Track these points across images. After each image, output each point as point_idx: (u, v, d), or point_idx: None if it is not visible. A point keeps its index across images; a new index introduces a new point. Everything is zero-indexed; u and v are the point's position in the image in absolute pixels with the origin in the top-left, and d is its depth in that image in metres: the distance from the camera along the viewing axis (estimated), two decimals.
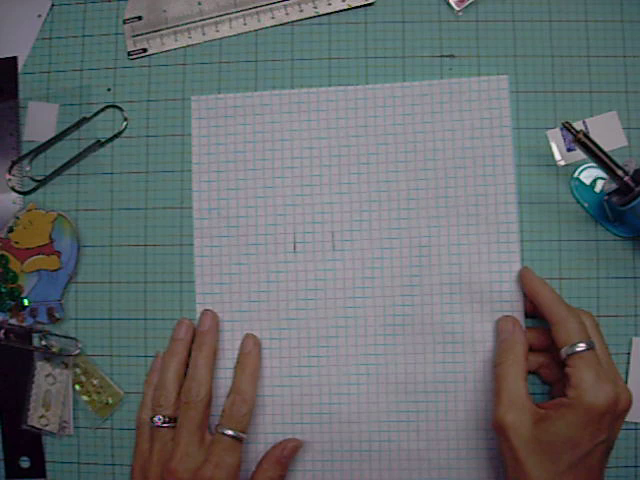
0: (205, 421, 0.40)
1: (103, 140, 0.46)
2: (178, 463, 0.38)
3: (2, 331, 0.43)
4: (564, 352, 0.37)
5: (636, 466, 0.42)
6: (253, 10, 0.46)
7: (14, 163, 0.46)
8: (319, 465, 0.43)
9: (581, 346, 0.36)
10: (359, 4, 0.46)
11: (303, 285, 0.44)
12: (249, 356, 0.42)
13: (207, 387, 0.40)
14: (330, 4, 0.46)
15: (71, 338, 0.44)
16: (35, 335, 0.44)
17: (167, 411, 0.40)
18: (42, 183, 0.46)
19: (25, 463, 0.44)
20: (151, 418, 0.40)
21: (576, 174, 0.44)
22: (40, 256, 0.45)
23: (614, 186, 0.39)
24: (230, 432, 0.39)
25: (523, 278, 0.41)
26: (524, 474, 0.35)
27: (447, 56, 0.45)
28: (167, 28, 0.46)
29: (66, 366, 0.44)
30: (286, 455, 0.41)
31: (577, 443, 0.35)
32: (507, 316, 0.41)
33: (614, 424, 0.36)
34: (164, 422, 0.40)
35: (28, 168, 0.46)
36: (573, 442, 0.35)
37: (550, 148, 0.44)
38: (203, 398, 0.40)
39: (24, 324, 0.44)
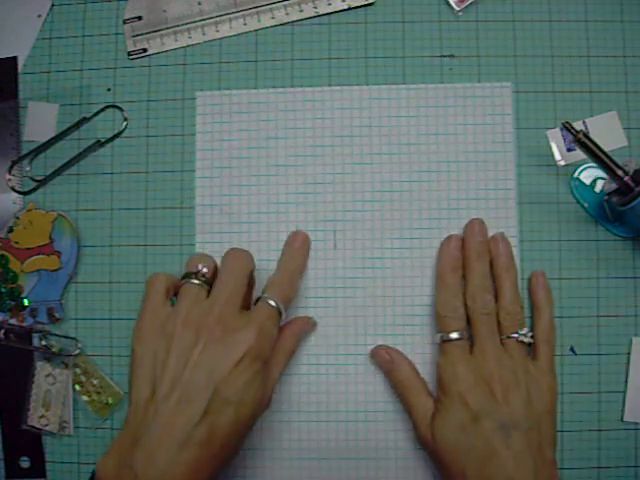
0: (248, 295, 0.40)
1: (103, 140, 0.46)
2: (216, 320, 0.35)
3: (2, 331, 0.43)
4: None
5: (636, 466, 0.42)
6: (253, 10, 0.46)
7: (14, 163, 0.46)
8: (315, 464, 0.43)
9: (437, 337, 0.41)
10: (359, 4, 0.46)
11: (303, 284, 0.44)
12: (298, 251, 0.43)
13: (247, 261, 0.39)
14: (330, 4, 0.46)
15: (71, 338, 0.44)
16: (35, 335, 0.44)
17: (206, 271, 0.38)
18: (42, 183, 0.46)
19: (25, 463, 0.44)
20: (186, 276, 0.38)
21: (576, 174, 0.44)
22: (40, 256, 0.45)
23: (614, 186, 0.39)
24: (273, 302, 0.37)
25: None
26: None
27: (447, 56, 0.45)
28: (167, 28, 0.46)
29: (66, 366, 0.44)
30: (306, 329, 0.42)
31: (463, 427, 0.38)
32: (378, 349, 0.42)
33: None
34: (200, 278, 0.37)
35: (28, 168, 0.46)
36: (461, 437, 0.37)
37: (550, 148, 0.44)
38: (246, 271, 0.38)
39: (24, 324, 0.44)
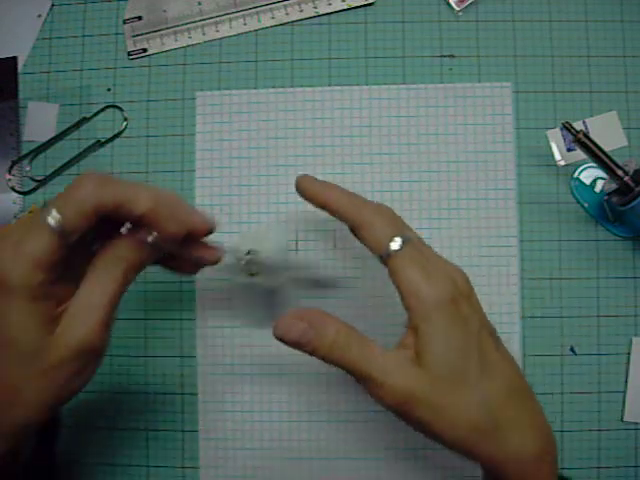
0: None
1: (103, 140, 0.46)
2: None
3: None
4: (383, 254, 0.30)
5: (636, 466, 0.42)
6: (253, 10, 0.46)
7: (14, 163, 0.46)
8: (315, 464, 0.43)
9: (396, 242, 0.30)
10: (359, 4, 0.46)
11: (304, 284, 0.44)
12: None
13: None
14: (330, 4, 0.46)
15: None
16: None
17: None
18: (42, 183, 0.46)
19: None
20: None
21: (576, 174, 0.44)
22: None
23: (614, 186, 0.39)
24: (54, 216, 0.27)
25: (303, 189, 0.34)
26: (456, 418, 0.29)
27: (447, 56, 0.45)
28: (167, 28, 0.46)
29: None
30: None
31: (461, 347, 0.29)
32: (286, 323, 0.30)
33: (471, 306, 0.30)
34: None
35: (28, 168, 0.46)
36: (459, 349, 0.29)
37: (550, 148, 0.44)
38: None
39: None
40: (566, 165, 0.44)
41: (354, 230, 0.32)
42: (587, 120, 0.44)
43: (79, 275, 0.29)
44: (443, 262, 0.31)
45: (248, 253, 0.35)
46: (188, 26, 0.46)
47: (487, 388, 0.29)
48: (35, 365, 0.27)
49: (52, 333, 0.27)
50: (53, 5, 0.47)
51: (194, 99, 0.46)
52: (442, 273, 0.30)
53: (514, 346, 0.43)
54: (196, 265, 0.34)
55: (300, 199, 0.44)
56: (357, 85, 0.45)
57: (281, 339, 0.30)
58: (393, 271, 0.30)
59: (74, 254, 0.28)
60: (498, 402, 0.29)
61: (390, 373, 0.29)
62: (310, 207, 0.44)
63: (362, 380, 0.30)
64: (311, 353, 0.30)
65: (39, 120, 0.46)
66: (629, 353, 0.42)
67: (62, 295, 0.28)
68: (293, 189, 0.44)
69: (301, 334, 0.30)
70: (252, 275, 0.36)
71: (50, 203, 0.27)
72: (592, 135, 0.39)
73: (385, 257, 0.30)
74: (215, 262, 0.34)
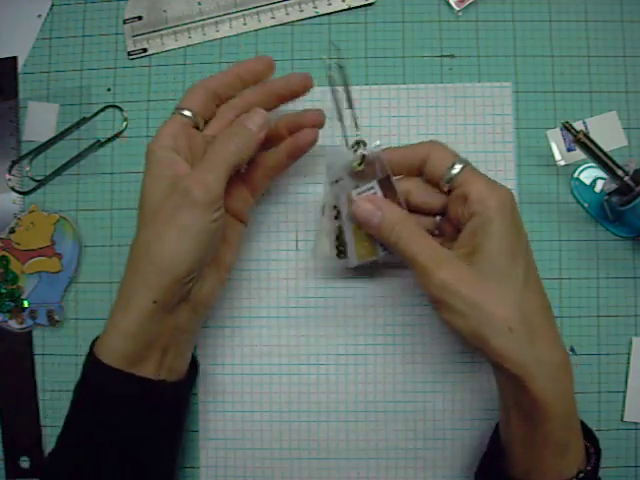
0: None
1: (103, 140, 0.46)
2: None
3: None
4: (446, 179, 0.34)
5: (636, 466, 0.42)
6: (253, 10, 0.46)
7: (14, 163, 0.46)
8: (315, 464, 0.43)
9: (459, 165, 0.34)
10: (359, 4, 0.46)
11: (304, 283, 0.44)
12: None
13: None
14: (330, 4, 0.46)
15: None
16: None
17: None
18: (42, 183, 0.46)
19: (25, 463, 0.44)
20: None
21: (576, 174, 0.44)
22: (41, 258, 0.45)
23: (614, 186, 0.39)
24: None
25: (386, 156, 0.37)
26: (491, 315, 0.31)
27: (447, 56, 0.45)
28: (167, 28, 0.46)
29: None
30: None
31: (513, 251, 0.32)
32: (358, 202, 0.36)
33: (521, 221, 0.34)
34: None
35: (28, 168, 0.46)
36: (511, 253, 0.32)
37: (550, 148, 0.44)
38: None
39: (24, 325, 0.44)
40: (566, 165, 0.44)
41: (416, 171, 0.36)
42: (587, 120, 0.44)
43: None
44: (496, 182, 0.35)
45: (357, 144, 0.37)
46: (188, 26, 0.46)
47: (527, 296, 0.32)
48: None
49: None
50: (53, 5, 0.47)
51: None
52: (501, 186, 0.34)
53: None
54: (297, 147, 0.39)
55: (300, 199, 0.45)
56: (357, 85, 0.45)
57: (354, 215, 0.36)
58: (461, 186, 0.34)
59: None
60: (533, 311, 0.32)
61: (439, 264, 0.32)
62: (311, 206, 0.44)
63: (413, 266, 0.33)
64: (376, 234, 0.36)
65: (39, 120, 0.46)
66: (629, 353, 0.42)
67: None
68: (293, 189, 0.44)
69: (371, 213, 0.35)
70: (360, 166, 0.37)
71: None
72: (592, 135, 0.39)
73: (448, 181, 0.35)
74: (320, 125, 0.39)
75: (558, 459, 0.32)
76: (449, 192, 0.35)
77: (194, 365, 0.40)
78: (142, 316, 0.33)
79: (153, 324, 0.34)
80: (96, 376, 0.34)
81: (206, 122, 0.38)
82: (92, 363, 0.34)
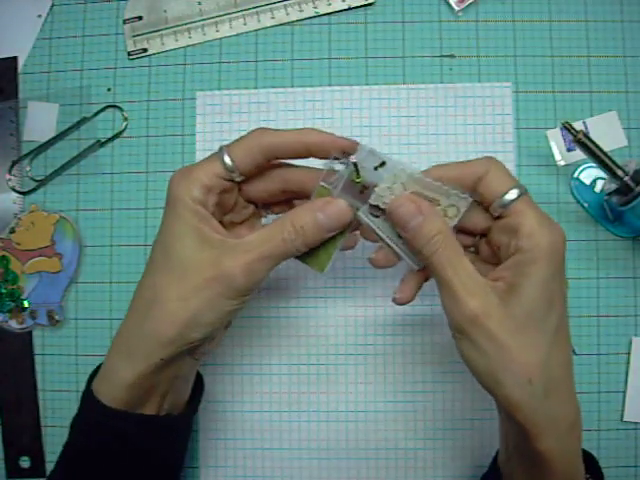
0: None
1: (103, 140, 0.46)
2: None
3: None
4: (498, 204, 0.31)
5: (636, 466, 0.42)
6: (253, 10, 0.46)
7: (14, 163, 0.46)
8: (315, 463, 0.43)
9: (514, 192, 0.31)
10: (359, 4, 0.46)
11: (304, 282, 0.44)
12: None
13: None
14: (330, 4, 0.46)
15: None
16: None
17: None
18: (42, 183, 0.46)
19: (25, 463, 0.44)
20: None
21: (576, 174, 0.44)
22: (41, 258, 0.45)
23: (614, 186, 0.39)
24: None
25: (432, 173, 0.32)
26: (514, 362, 0.29)
27: (447, 56, 0.45)
28: (167, 28, 0.46)
29: None
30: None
31: (551, 300, 0.30)
32: (400, 200, 0.31)
33: (564, 265, 0.31)
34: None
35: (28, 168, 0.46)
36: (549, 301, 0.30)
37: (550, 148, 0.44)
38: None
39: (24, 325, 0.44)
40: (566, 165, 0.44)
41: (470, 189, 0.32)
42: (587, 120, 0.44)
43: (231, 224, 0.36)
44: (550, 218, 0.32)
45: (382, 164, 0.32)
46: (188, 26, 0.46)
47: (554, 349, 0.30)
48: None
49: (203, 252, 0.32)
50: (53, 5, 0.47)
51: (194, 99, 0.46)
52: (555, 225, 0.31)
53: None
54: None
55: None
56: (357, 85, 0.45)
57: (391, 211, 0.31)
58: (513, 215, 0.31)
59: (231, 202, 0.35)
60: (557, 365, 0.30)
61: (473, 293, 0.29)
62: None
63: (443, 287, 0.30)
64: (410, 239, 0.31)
65: (39, 120, 0.46)
66: (629, 353, 0.42)
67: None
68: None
69: (412, 215, 0.31)
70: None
71: (224, 147, 0.33)
72: (592, 135, 0.39)
73: (501, 205, 0.31)
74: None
75: None
76: (497, 217, 0.32)
77: (199, 385, 0.39)
78: (147, 371, 0.32)
79: (155, 376, 0.33)
80: (97, 415, 0.33)
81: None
82: (91, 402, 0.33)
